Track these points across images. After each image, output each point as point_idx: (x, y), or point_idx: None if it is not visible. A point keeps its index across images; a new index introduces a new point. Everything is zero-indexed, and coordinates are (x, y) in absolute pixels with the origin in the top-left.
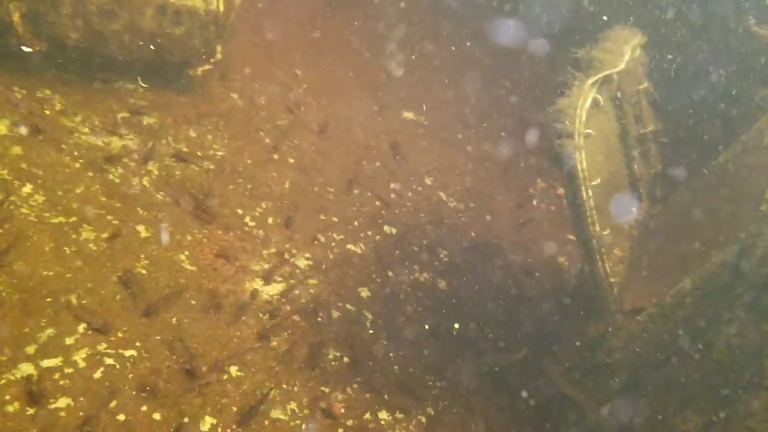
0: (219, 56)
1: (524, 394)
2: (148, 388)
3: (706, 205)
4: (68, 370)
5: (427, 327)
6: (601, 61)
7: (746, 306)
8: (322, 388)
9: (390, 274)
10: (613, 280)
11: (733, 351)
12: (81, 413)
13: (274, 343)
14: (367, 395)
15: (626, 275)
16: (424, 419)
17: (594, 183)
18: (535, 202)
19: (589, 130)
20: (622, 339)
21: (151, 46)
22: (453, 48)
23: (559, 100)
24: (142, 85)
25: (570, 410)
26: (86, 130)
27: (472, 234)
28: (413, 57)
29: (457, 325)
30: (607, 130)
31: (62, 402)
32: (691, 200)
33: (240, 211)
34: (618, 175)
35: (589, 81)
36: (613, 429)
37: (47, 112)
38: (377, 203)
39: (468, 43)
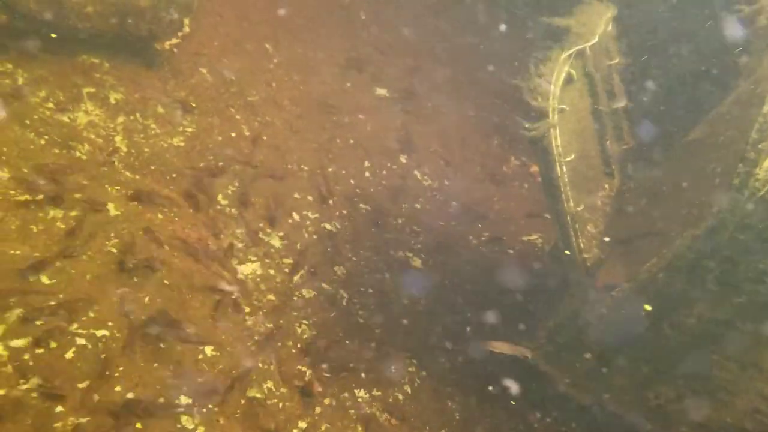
0: (187, 29)
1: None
2: None
3: (677, 181)
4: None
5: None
6: (575, 33)
7: (717, 280)
8: (299, 366)
9: (366, 252)
10: (586, 256)
11: (705, 325)
12: None
13: (249, 323)
14: (344, 373)
15: (599, 251)
16: (401, 396)
17: (568, 159)
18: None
19: (563, 106)
20: (595, 315)
21: (116, 19)
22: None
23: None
24: (108, 59)
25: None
26: (51, 105)
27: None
28: (385, 36)
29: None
30: (579, 106)
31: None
32: (663, 176)
33: (211, 190)
34: (591, 151)
35: (563, 55)
36: (585, 402)
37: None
38: (351, 181)
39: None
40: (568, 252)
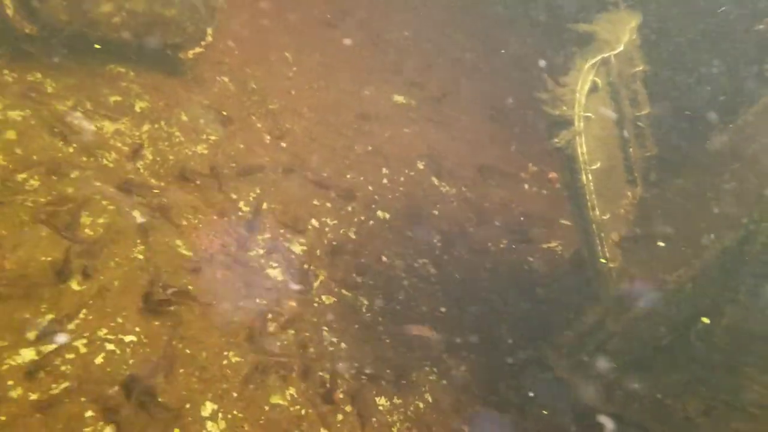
0: (210, 39)
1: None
2: None
3: (702, 190)
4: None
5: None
6: (601, 40)
7: (749, 292)
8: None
9: (384, 259)
10: (612, 264)
11: (735, 336)
12: None
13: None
14: (365, 381)
15: (624, 260)
16: (421, 405)
17: (593, 167)
18: (526, 186)
19: (588, 114)
20: (621, 324)
21: (142, 28)
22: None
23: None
24: (134, 68)
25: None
26: (79, 114)
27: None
28: (403, 43)
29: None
30: (603, 114)
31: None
32: (687, 184)
33: (234, 196)
34: (614, 158)
35: (588, 63)
36: (610, 414)
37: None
38: (369, 188)
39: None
40: (604, 260)
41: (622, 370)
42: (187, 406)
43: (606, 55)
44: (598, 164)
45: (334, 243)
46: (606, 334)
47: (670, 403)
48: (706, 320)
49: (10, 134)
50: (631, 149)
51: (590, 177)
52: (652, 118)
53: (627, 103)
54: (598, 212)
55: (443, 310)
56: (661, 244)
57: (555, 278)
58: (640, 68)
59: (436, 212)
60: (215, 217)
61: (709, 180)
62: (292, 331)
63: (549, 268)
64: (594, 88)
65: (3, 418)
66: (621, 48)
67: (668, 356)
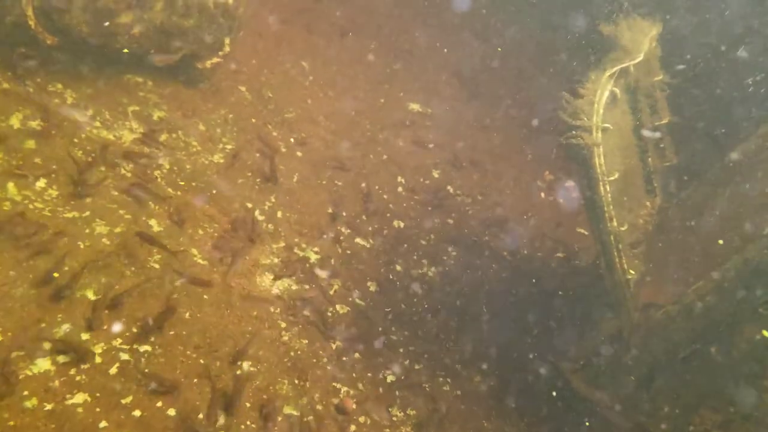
0: (227, 49)
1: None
2: None
3: (722, 201)
4: None
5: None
6: (621, 48)
7: None
8: (334, 383)
9: (398, 267)
10: (629, 276)
11: (756, 350)
12: None
13: (285, 338)
14: (379, 391)
15: (642, 271)
16: (436, 418)
17: (611, 178)
18: (542, 194)
19: (607, 125)
20: (639, 336)
21: (161, 39)
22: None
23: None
24: (152, 78)
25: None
26: (98, 124)
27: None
28: (418, 51)
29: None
30: (622, 124)
31: None
32: (707, 195)
33: (249, 205)
34: (633, 169)
35: (607, 73)
36: (627, 428)
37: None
38: (384, 197)
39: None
40: (621, 271)
41: (639, 382)
42: None
43: (625, 64)
44: (616, 175)
45: (349, 252)
46: (623, 345)
47: (687, 415)
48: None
49: (30, 143)
50: (650, 158)
51: (608, 188)
52: (672, 126)
53: (647, 111)
54: (615, 223)
55: (456, 318)
56: (680, 255)
57: (572, 288)
58: (660, 77)
59: (450, 221)
60: (229, 226)
61: (730, 190)
62: (305, 340)
63: (566, 279)
64: (613, 99)
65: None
66: (641, 57)
67: (686, 368)
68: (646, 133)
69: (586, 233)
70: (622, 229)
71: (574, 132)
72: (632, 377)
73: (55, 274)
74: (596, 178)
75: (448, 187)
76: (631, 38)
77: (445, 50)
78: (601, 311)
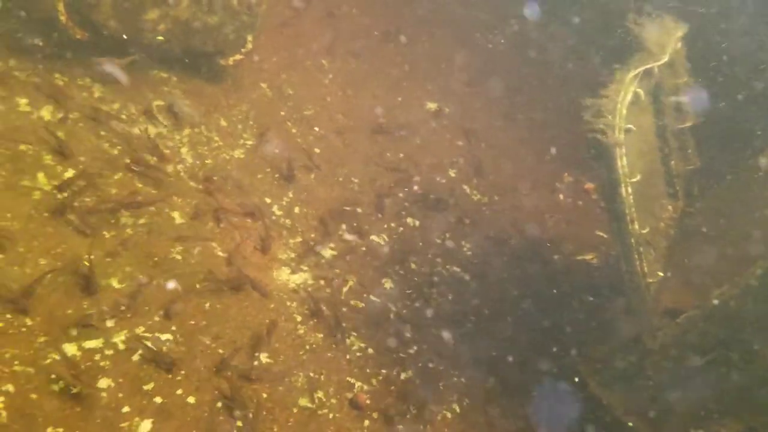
0: (249, 46)
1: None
2: None
3: (746, 204)
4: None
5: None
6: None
7: None
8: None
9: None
10: (650, 280)
11: None
12: None
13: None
14: (393, 387)
15: (663, 276)
16: (449, 414)
17: (634, 180)
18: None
19: (630, 126)
20: (659, 341)
21: (185, 36)
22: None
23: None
24: (176, 74)
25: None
26: (124, 117)
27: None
28: (437, 51)
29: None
30: (644, 125)
31: None
32: (731, 198)
33: (268, 200)
34: (655, 171)
35: (630, 74)
36: None
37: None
38: (400, 195)
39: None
40: (642, 275)
41: (659, 387)
42: None
43: (649, 65)
44: (638, 177)
45: (364, 249)
46: (643, 350)
47: (708, 423)
48: None
49: (59, 135)
50: (673, 161)
51: (630, 190)
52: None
53: (671, 114)
54: (637, 226)
55: (473, 319)
56: (703, 259)
57: (591, 291)
58: (685, 79)
59: (467, 220)
60: (249, 221)
61: (754, 195)
62: (320, 335)
63: (585, 281)
64: (636, 100)
65: None
66: (665, 59)
67: (708, 375)
68: (667, 134)
69: (605, 236)
70: (644, 232)
71: (596, 131)
72: (651, 382)
73: (85, 262)
74: (618, 180)
75: (464, 186)
76: (657, 39)
77: (469, 51)
78: (621, 315)
